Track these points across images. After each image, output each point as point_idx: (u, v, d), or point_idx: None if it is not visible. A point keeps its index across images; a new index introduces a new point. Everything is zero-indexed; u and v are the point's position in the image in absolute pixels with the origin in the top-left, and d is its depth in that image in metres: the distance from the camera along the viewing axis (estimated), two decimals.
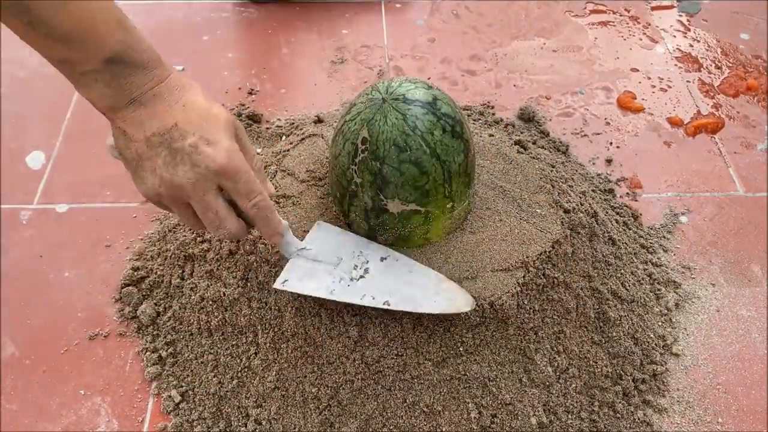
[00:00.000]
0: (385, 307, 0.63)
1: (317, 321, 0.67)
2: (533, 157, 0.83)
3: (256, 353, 0.71)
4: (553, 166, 0.86)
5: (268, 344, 0.69)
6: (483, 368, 0.67)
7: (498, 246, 0.69)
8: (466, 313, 0.65)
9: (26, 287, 0.84)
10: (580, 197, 0.81)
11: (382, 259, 0.68)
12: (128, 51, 0.51)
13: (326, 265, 0.66)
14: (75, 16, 0.48)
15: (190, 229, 0.83)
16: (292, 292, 0.65)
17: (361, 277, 0.66)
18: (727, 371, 0.78)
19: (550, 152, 0.97)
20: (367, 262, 0.67)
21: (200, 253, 0.78)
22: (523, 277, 0.67)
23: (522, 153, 0.82)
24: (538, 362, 0.69)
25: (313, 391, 0.67)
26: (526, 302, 0.68)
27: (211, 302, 0.74)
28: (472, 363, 0.67)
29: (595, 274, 0.76)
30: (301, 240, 0.67)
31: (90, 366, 0.77)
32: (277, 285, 0.64)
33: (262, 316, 0.70)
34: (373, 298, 0.63)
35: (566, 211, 0.75)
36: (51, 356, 0.78)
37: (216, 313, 0.73)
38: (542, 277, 0.69)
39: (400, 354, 0.66)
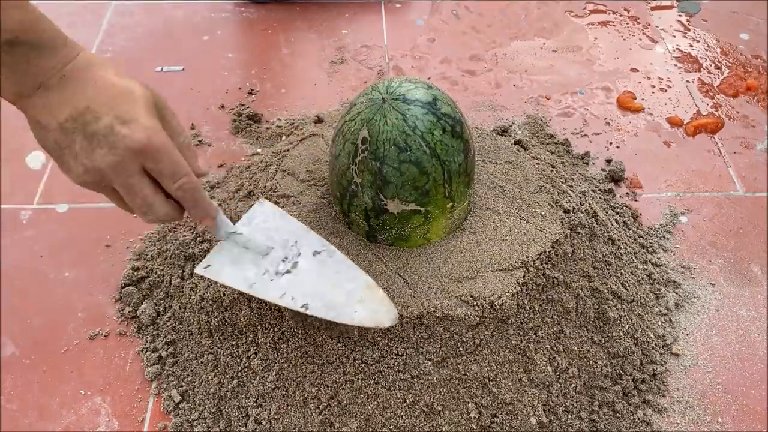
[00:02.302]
0: (302, 310, 0.60)
1: (317, 321, 0.67)
2: (533, 157, 0.83)
3: (256, 353, 0.71)
4: (553, 166, 0.86)
5: (268, 344, 0.69)
6: (483, 368, 0.67)
7: (498, 246, 0.69)
8: (466, 312, 0.65)
9: (26, 287, 0.84)
10: (580, 197, 0.81)
11: (315, 253, 0.64)
12: (29, 31, 0.48)
13: (254, 254, 0.63)
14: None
15: (191, 229, 0.83)
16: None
17: (288, 272, 0.63)
18: (726, 371, 0.78)
19: (551, 152, 0.97)
20: (299, 254, 0.64)
21: (200, 253, 0.78)
22: (523, 276, 0.68)
23: (522, 153, 0.82)
24: (538, 362, 0.69)
25: (313, 390, 0.67)
26: (525, 302, 0.68)
27: (211, 302, 0.74)
28: (472, 363, 0.67)
29: (595, 274, 0.76)
30: (237, 221, 0.64)
31: (90, 366, 0.77)
32: (198, 270, 0.62)
33: (262, 316, 0.70)
34: (293, 299, 0.61)
35: (566, 211, 0.75)
36: (51, 356, 0.78)
37: (216, 313, 0.73)
38: (542, 276, 0.69)
39: (400, 354, 0.66)
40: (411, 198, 0.65)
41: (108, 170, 0.50)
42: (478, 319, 0.66)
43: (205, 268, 0.62)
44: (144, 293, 0.82)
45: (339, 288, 0.62)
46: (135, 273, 0.84)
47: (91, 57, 0.52)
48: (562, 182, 0.81)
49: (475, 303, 0.65)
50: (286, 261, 0.63)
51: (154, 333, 0.79)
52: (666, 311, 0.82)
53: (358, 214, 0.68)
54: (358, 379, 0.66)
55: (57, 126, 0.50)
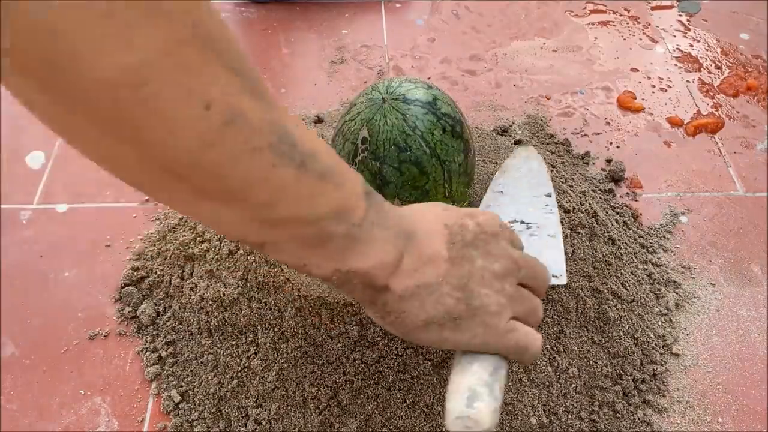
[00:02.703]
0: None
1: (317, 321, 0.67)
2: None
3: (256, 353, 0.71)
4: (553, 166, 0.86)
5: (268, 344, 0.69)
6: None
7: None
8: None
9: (26, 287, 0.84)
10: (580, 197, 0.81)
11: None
12: (360, 175, 0.41)
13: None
14: (325, 145, 0.39)
15: (191, 229, 0.83)
16: (291, 292, 0.65)
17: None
18: (727, 371, 0.78)
19: (551, 152, 0.97)
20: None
21: (200, 252, 0.78)
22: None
23: None
24: (538, 362, 0.69)
25: (313, 391, 0.67)
26: None
27: (211, 302, 0.74)
28: None
29: (595, 274, 0.76)
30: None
31: (90, 366, 0.77)
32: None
33: (262, 316, 0.70)
34: None
35: (566, 211, 0.75)
36: (51, 356, 0.78)
37: (216, 313, 0.73)
38: None
39: (400, 354, 0.66)
40: (411, 198, 0.65)
41: (512, 260, 0.45)
42: None
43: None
44: (144, 293, 0.82)
45: None
46: (135, 273, 0.84)
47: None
48: (562, 182, 0.81)
49: None
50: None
51: (154, 333, 0.79)
52: (666, 311, 0.82)
53: None
54: (358, 379, 0.66)
55: (447, 264, 0.42)
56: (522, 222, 0.64)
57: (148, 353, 0.77)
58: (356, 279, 0.40)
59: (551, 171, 0.83)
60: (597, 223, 0.80)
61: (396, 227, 0.41)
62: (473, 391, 0.43)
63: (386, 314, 0.42)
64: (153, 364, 0.76)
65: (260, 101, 0.33)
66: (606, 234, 0.81)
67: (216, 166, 0.32)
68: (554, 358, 0.70)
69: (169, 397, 0.73)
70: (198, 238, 0.80)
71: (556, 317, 0.71)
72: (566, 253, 0.67)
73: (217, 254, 0.76)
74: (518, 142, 0.89)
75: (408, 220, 0.43)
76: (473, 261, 0.44)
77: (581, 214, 0.76)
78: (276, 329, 0.69)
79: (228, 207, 0.34)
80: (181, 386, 0.74)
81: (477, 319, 0.43)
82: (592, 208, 0.81)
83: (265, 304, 0.70)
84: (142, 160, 0.31)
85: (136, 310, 0.81)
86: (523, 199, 0.66)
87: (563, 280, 0.60)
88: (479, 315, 0.43)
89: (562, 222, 0.73)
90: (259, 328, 0.70)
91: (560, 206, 0.75)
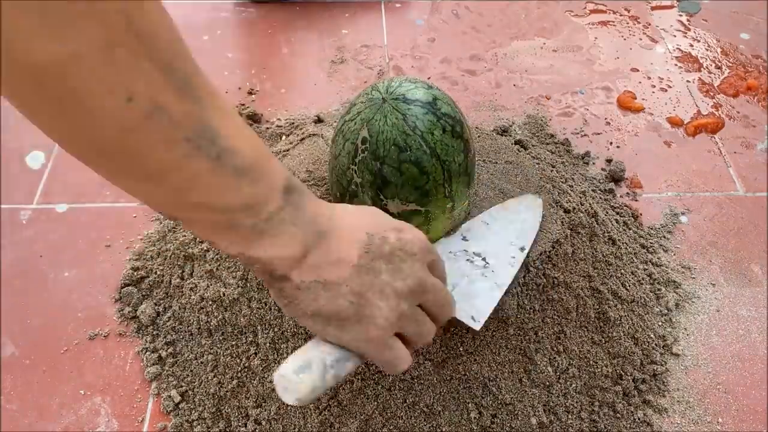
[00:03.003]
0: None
1: None
2: (533, 157, 0.83)
3: (256, 353, 0.71)
4: (554, 166, 0.86)
5: (268, 344, 0.69)
6: (483, 368, 0.67)
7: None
8: None
9: (26, 287, 0.84)
10: (580, 197, 0.81)
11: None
12: (289, 173, 0.43)
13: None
14: (253, 141, 0.40)
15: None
16: None
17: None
18: (727, 371, 0.78)
19: (551, 152, 0.97)
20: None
21: (200, 253, 0.78)
22: (523, 277, 0.67)
23: (522, 153, 0.82)
24: (539, 362, 0.69)
25: None
26: (526, 302, 0.68)
27: (211, 302, 0.74)
28: (472, 363, 0.67)
29: (595, 274, 0.76)
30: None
31: (90, 366, 0.77)
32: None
33: (262, 316, 0.70)
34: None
35: (566, 211, 0.75)
36: (51, 356, 0.78)
37: (216, 313, 0.73)
38: (542, 277, 0.69)
39: None
40: (411, 198, 0.65)
41: (419, 283, 0.47)
42: None
43: None
44: (144, 293, 0.82)
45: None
46: (135, 273, 0.84)
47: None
48: (562, 182, 0.81)
49: None
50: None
51: (154, 333, 0.79)
52: (666, 311, 0.82)
53: None
54: (358, 379, 0.66)
55: (351, 269, 0.44)
56: (483, 259, 0.66)
57: (148, 353, 0.77)
58: (258, 264, 0.43)
59: (551, 171, 0.83)
60: (597, 223, 0.80)
61: (310, 225, 0.44)
62: (308, 364, 0.46)
63: (280, 297, 0.45)
64: (153, 364, 0.76)
65: (185, 97, 0.36)
66: (606, 234, 0.81)
67: (135, 151, 0.35)
68: (554, 358, 0.70)
69: (169, 397, 0.73)
70: (197, 238, 0.80)
71: (556, 317, 0.71)
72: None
73: (217, 254, 0.76)
74: (518, 142, 0.89)
75: (326, 221, 0.45)
76: (379, 273, 0.46)
77: (581, 214, 0.76)
78: (276, 329, 0.69)
79: (147, 185, 0.38)
80: (181, 386, 0.74)
81: (361, 326, 0.45)
82: (592, 208, 0.81)
83: (265, 304, 0.70)
84: (71, 138, 0.35)
85: (136, 310, 0.81)
86: (499, 241, 0.68)
87: (477, 326, 0.61)
88: (364, 323, 0.45)
89: (561, 222, 0.73)
90: (259, 328, 0.70)
91: (560, 206, 0.75)
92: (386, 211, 0.66)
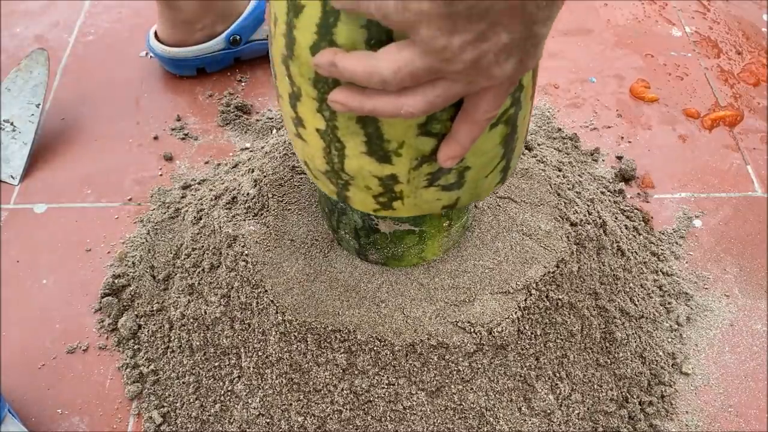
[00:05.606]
0: None
1: (303, 346, 0.62)
2: (539, 160, 0.78)
3: (239, 377, 0.67)
4: (560, 170, 0.80)
5: (251, 368, 0.65)
6: (480, 397, 0.63)
7: (498, 266, 0.64)
8: (463, 340, 0.60)
9: (2, 296, 0.80)
10: (588, 205, 0.76)
11: None
12: None
13: None
14: None
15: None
16: (275, 316, 0.61)
17: None
18: (739, 392, 0.73)
19: (558, 150, 0.91)
20: None
21: (181, 264, 0.73)
22: (525, 300, 0.63)
23: (526, 156, 0.77)
24: (539, 390, 0.65)
25: (299, 420, 0.63)
26: (527, 327, 0.63)
27: (192, 320, 0.70)
28: (468, 392, 0.63)
29: (602, 291, 0.71)
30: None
31: (68, 382, 0.73)
32: None
33: (245, 338, 0.65)
34: None
35: (573, 224, 0.70)
36: (27, 372, 0.74)
37: (198, 332, 0.69)
38: (545, 299, 0.64)
39: (391, 383, 0.62)
40: (404, 218, 0.60)
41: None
42: (475, 346, 0.61)
43: None
44: (125, 303, 0.78)
45: None
46: (115, 281, 0.79)
47: None
48: (569, 188, 0.76)
49: (472, 330, 0.61)
50: None
51: (135, 347, 0.75)
52: (676, 326, 0.77)
53: (347, 232, 0.63)
54: (347, 409, 0.62)
55: None
56: (11, 124, 0.84)
57: (128, 369, 0.73)
58: None
59: (557, 175, 0.77)
60: (605, 234, 0.75)
61: None
62: None
63: None
64: (134, 382, 0.72)
65: None
66: (615, 245, 0.76)
67: None
68: (556, 384, 0.66)
69: (150, 418, 0.70)
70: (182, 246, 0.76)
71: (559, 341, 0.66)
72: (571, 272, 0.63)
73: (199, 267, 0.71)
74: None
75: None
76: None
77: (589, 226, 0.71)
78: (260, 353, 0.65)
79: None
80: (163, 407, 0.70)
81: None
82: (600, 217, 0.76)
83: (249, 326, 0.65)
84: None
85: (116, 322, 0.77)
86: (19, 104, 0.87)
87: (15, 182, 0.87)
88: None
89: (567, 237, 0.68)
90: (242, 350, 0.66)
91: (567, 219, 0.69)
92: (376, 230, 0.61)
